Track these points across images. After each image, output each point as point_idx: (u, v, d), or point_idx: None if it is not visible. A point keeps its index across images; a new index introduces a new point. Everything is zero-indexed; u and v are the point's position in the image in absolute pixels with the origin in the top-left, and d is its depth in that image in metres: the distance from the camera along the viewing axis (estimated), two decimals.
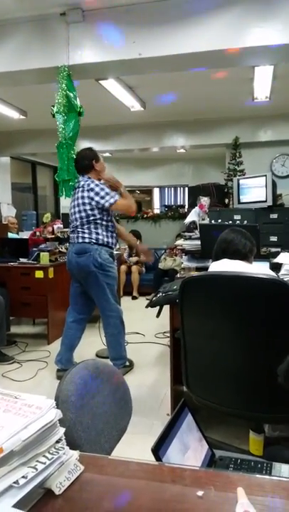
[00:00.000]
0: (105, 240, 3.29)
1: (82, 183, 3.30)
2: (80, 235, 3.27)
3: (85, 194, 3.24)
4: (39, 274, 4.30)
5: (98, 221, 3.26)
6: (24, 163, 8.61)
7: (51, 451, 0.74)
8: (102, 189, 3.22)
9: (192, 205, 5.26)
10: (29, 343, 4.36)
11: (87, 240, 3.26)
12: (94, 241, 3.25)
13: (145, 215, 7.78)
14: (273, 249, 3.52)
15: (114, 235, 3.40)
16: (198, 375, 1.81)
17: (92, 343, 4.03)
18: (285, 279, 2.09)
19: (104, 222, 3.29)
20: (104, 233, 3.29)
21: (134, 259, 7.04)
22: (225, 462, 1.28)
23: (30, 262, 4.47)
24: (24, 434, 0.69)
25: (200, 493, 0.71)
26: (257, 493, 0.70)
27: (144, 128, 7.06)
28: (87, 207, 3.24)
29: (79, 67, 3.54)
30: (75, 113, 3.58)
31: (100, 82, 4.56)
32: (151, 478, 0.78)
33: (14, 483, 0.66)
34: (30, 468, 0.69)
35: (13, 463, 0.67)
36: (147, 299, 5.92)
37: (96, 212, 3.24)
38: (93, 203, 3.22)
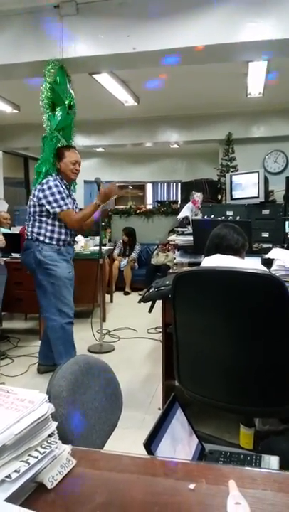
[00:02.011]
0: (48, 235, 3.14)
1: (44, 180, 3.19)
2: (29, 230, 3.20)
3: (36, 193, 3.16)
4: None
5: (44, 217, 3.14)
6: (16, 157, 8.54)
7: (43, 445, 0.74)
8: (52, 194, 3.09)
9: (185, 200, 5.27)
10: (21, 339, 4.35)
11: (29, 237, 3.18)
12: (36, 237, 3.16)
13: (138, 211, 7.77)
14: (265, 245, 3.54)
15: (64, 231, 3.20)
16: (190, 369, 1.82)
17: (84, 339, 4.03)
18: (277, 274, 2.10)
19: (49, 220, 3.14)
20: (50, 228, 3.15)
21: (123, 260, 7.04)
22: (215, 456, 1.29)
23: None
24: (16, 428, 0.69)
25: (192, 486, 0.71)
26: (248, 485, 0.71)
27: (137, 123, 7.04)
28: (36, 201, 3.15)
29: (72, 60, 3.51)
30: (64, 106, 3.55)
31: (94, 76, 4.53)
32: (143, 471, 0.78)
33: (6, 477, 0.66)
34: (23, 462, 0.69)
35: (6, 457, 0.67)
36: (140, 295, 5.93)
37: (42, 207, 3.13)
38: (42, 201, 3.12)
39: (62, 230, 3.20)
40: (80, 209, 3.42)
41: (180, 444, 1.08)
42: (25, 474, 0.68)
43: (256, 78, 4.88)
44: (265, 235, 4.22)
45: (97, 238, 4.86)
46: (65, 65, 3.52)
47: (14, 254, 4.46)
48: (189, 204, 3.68)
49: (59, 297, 3.17)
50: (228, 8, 3.14)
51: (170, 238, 4.04)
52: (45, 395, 0.79)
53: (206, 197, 5.16)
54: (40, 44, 3.51)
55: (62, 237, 3.20)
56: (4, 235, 4.98)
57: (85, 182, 8.51)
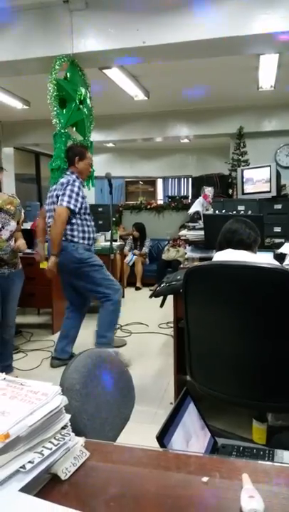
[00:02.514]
0: (80, 235, 3.24)
1: (62, 179, 3.25)
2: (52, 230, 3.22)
3: (59, 193, 3.20)
4: (43, 264, 4.30)
5: (73, 219, 3.20)
6: (28, 153, 8.58)
7: (57, 437, 0.75)
8: (71, 191, 3.16)
9: (196, 195, 5.24)
10: (34, 333, 4.39)
11: (63, 238, 3.21)
12: (70, 238, 3.22)
13: (148, 206, 7.75)
14: (277, 240, 3.51)
15: (92, 229, 3.34)
16: (201, 364, 1.82)
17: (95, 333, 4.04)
18: None
19: (78, 220, 3.22)
20: (81, 229, 3.24)
21: (130, 255, 7.05)
22: (227, 450, 1.29)
23: (34, 252, 4.47)
24: (30, 420, 0.70)
25: (205, 479, 0.71)
26: (262, 479, 0.71)
27: (147, 118, 7.01)
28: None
29: (82, 55, 3.51)
30: (74, 101, 3.55)
31: (104, 71, 4.52)
32: (156, 464, 0.78)
33: (21, 467, 0.66)
34: (37, 453, 0.70)
35: (20, 448, 0.68)
36: (150, 290, 5.94)
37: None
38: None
39: (90, 229, 3.31)
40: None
41: (192, 437, 1.08)
42: (39, 465, 0.68)
43: (268, 71, 4.82)
44: (278, 229, 4.18)
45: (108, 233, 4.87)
46: (76, 59, 3.52)
47: (26, 250, 4.48)
48: (200, 199, 3.66)
49: (107, 278, 3.35)
50: (238, 1, 3.10)
51: (181, 233, 4.03)
52: (59, 387, 0.80)
53: (217, 192, 5.14)
54: (50, 39, 3.51)
55: (92, 235, 3.34)
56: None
57: (96, 178, 8.50)
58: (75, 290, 3.48)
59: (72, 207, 3.14)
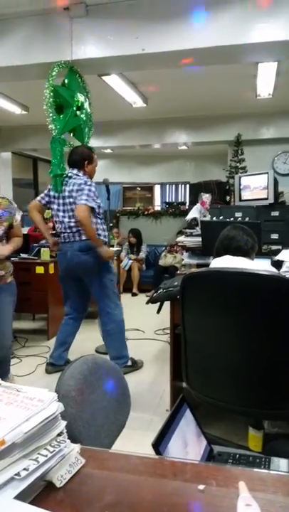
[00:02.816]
0: (102, 234, 3.24)
1: (74, 180, 3.19)
2: (82, 231, 3.18)
3: (74, 194, 3.15)
4: (39, 269, 4.30)
5: (93, 219, 3.18)
6: (25, 158, 8.59)
7: (53, 444, 0.74)
8: (89, 190, 3.12)
9: (193, 202, 5.26)
10: (29, 339, 4.36)
11: (85, 237, 3.19)
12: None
13: (146, 212, 7.77)
14: (274, 247, 3.52)
15: (106, 232, 3.35)
16: (198, 371, 1.81)
17: (91, 339, 4.03)
18: (287, 276, 2.09)
19: (94, 219, 3.19)
20: (101, 227, 3.25)
21: (125, 259, 7.04)
22: (223, 457, 1.28)
23: (30, 257, 4.47)
24: (26, 427, 0.69)
25: (201, 487, 0.71)
26: (258, 487, 0.70)
27: (145, 124, 7.04)
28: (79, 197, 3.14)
29: (82, 62, 3.53)
30: (71, 108, 3.56)
31: (103, 77, 4.54)
32: (152, 472, 0.78)
33: (16, 475, 0.66)
34: (32, 460, 0.69)
35: (15, 455, 0.67)
36: (147, 296, 5.93)
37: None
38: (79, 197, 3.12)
39: (106, 233, 3.31)
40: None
41: (188, 445, 1.07)
42: (34, 472, 0.68)
43: (266, 79, 4.86)
44: (275, 236, 4.19)
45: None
46: (75, 66, 3.54)
47: (23, 255, 4.48)
48: (198, 205, 3.67)
49: (115, 291, 3.38)
50: (237, 9, 3.14)
51: (178, 239, 4.04)
52: (55, 393, 0.79)
53: (215, 198, 5.16)
54: (50, 46, 3.53)
55: (106, 233, 3.34)
56: None
57: None
58: (80, 295, 3.44)
59: (92, 205, 3.10)
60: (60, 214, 3.24)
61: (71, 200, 3.17)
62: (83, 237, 3.19)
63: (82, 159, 3.27)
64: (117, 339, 3.35)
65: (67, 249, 3.25)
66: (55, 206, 3.28)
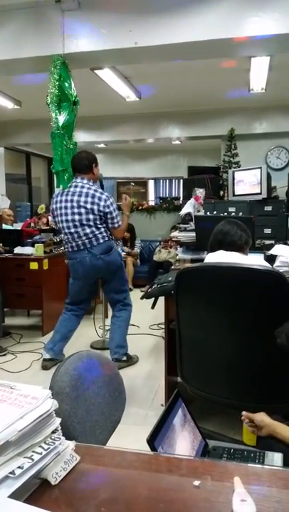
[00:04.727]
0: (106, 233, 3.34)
1: (86, 190, 3.21)
2: (99, 235, 3.25)
3: (91, 200, 3.20)
4: (34, 265, 4.28)
5: (103, 223, 3.30)
6: (18, 153, 8.52)
7: (47, 442, 0.74)
8: (114, 209, 3.27)
9: (187, 197, 5.25)
10: (23, 335, 4.35)
11: (106, 238, 3.29)
12: (111, 237, 3.34)
13: (140, 207, 7.75)
14: (267, 242, 3.53)
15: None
16: (192, 365, 1.82)
17: (86, 335, 4.03)
18: (280, 271, 2.09)
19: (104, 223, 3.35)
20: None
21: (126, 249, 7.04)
22: (218, 452, 1.29)
23: (24, 253, 4.45)
24: (20, 425, 0.69)
25: (196, 482, 0.71)
26: (253, 482, 0.71)
27: (139, 119, 7.01)
28: (95, 207, 3.19)
29: (74, 55, 3.49)
30: (69, 102, 3.54)
31: (95, 71, 4.51)
32: (147, 468, 0.78)
33: (10, 473, 0.65)
34: (27, 458, 0.69)
35: (9, 453, 0.67)
36: (142, 291, 5.93)
37: (100, 217, 3.25)
38: (108, 215, 3.26)
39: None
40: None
41: (184, 440, 1.07)
42: (29, 470, 0.67)
43: (259, 74, 4.84)
44: (268, 231, 4.20)
45: None
46: (66, 60, 3.50)
47: (16, 250, 4.46)
48: (192, 200, 3.67)
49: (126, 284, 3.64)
50: (230, 3, 3.12)
51: (172, 234, 4.03)
52: (49, 391, 0.79)
53: (208, 193, 5.15)
54: (42, 39, 3.49)
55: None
56: (7, 231, 5.00)
57: None
58: (91, 294, 3.61)
59: (120, 223, 3.35)
60: (71, 224, 3.23)
61: (87, 209, 3.19)
62: (101, 240, 3.26)
63: (90, 163, 3.30)
64: (125, 326, 3.53)
65: (84, 255, 3.28)
66: (62, 218, 3.26)
